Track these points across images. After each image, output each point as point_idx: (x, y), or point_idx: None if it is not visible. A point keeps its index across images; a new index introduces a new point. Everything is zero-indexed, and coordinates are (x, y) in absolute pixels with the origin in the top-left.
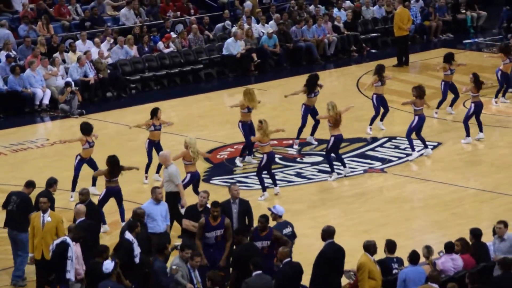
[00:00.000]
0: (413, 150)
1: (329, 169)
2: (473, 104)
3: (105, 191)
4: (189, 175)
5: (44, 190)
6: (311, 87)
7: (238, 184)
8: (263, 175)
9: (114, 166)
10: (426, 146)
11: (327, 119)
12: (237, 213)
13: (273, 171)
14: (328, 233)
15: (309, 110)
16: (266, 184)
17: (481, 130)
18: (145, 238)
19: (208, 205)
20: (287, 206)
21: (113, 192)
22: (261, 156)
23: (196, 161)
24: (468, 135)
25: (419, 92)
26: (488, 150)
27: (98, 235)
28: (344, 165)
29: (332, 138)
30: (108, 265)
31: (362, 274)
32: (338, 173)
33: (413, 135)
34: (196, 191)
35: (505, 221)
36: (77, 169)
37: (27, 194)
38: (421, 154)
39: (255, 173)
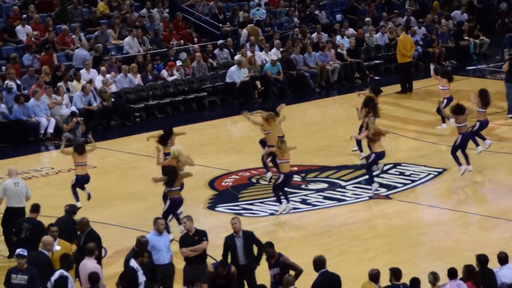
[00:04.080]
0: (459, 165)
1: (338, 196)
2: (478, 123)
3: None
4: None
5: (65, 217)
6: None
7: (243, 212)
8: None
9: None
10: (467, 163)
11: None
12: (242, 247)
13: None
14: (319, 262)
15: None
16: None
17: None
18: (150, 267)
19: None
20: (292, 233)
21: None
22: (278, 175)
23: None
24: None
25: (458, 109)
26: (492, 177)
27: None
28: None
29: (373, 155)
30: None
31: None
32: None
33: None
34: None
35: None
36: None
37: (37, 219)
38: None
39: (260, 200)
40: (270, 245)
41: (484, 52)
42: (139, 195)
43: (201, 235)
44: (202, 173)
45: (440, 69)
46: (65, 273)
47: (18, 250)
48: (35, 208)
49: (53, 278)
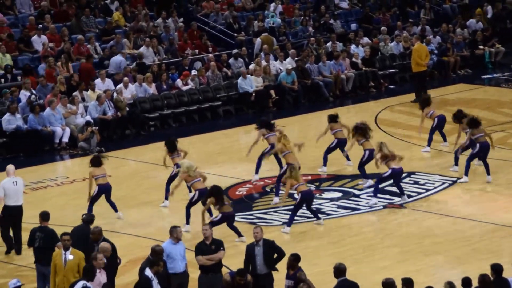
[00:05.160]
0: (466, 174)
1: (352, 205)
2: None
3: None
4: (197, 192)
5: (81, 226)
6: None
7: (257, 221)
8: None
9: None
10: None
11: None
12: (262, 255)
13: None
14: (339, 270)
15: None
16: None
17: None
18: (164, 276)
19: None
20: (306, 242)
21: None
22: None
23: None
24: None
25: (473, 122)
26: (507, 185)
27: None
28: (401, 194)
29: (390, 171)
30: None
31: None
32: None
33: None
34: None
35: None
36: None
37: (48, 227)
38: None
39: (274, 209)
40: (296, 257)
41: (499, 61)
42: (153, 204)
43: (218, 245)
44: (216, 182)
45: (419, 99)
46: (88, 284)
47: (14, 281)
48: (46, 216)
49: None
